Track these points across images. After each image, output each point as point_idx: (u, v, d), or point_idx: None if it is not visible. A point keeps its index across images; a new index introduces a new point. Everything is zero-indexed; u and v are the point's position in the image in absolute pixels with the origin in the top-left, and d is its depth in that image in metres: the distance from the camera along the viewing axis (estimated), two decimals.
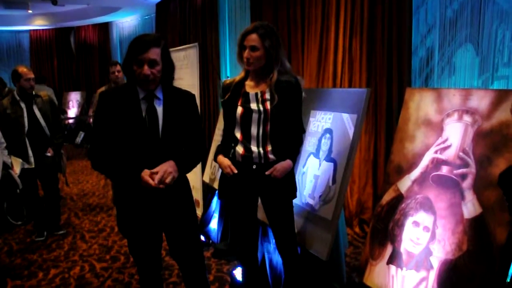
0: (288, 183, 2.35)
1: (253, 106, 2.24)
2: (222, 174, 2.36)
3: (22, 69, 3.85)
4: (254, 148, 2.26)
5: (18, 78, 3.83)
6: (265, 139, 2.25)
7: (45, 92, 4.20)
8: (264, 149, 2.26)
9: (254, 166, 2.28)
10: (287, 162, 2.27)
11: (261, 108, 2.23)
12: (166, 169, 1.95)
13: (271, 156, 2.26)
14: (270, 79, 2.23)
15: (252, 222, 2.46)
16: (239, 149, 2.28)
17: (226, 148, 2.36)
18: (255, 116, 2.23)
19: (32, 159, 3.89)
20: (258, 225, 2.57)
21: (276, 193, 2.33)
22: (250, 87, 2.31)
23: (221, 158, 2.34)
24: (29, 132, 3.88)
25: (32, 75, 3.88)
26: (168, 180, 1.94)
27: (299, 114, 2.33)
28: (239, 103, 2.27)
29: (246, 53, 2.21)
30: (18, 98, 3.88)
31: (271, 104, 2.22)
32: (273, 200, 2.36)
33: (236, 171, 2.26)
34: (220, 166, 2.34)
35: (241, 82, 2.32)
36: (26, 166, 3.87)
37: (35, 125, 3.92)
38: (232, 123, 2.30)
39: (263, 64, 2.23)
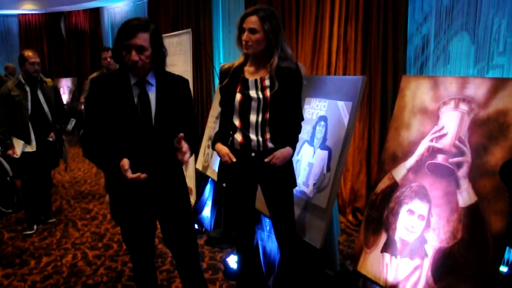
0: (288, 172, 2.31)
1: (252, 93, 2.18)
2: (221, 161, 2.32)
3: (28, 53, 3.88)
4: (253, 136, 2.20)
5: (23, 62, 3.86)
6: (264, 127, 2.20)
7: (50, 79, 4.18)
8: (263, 137, 2.21)
9: (253, 154, 2.23)
10: (287, 150, 2.22)
11: (261, 96, 2.16)
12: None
13: (270, 144, 2.21)
14: (270, 65, 2.16)
15: (250, 209, 2.42)
16: (238, 137, 2.23)
17: (224, 135, 2.30)
18: (254, 104, 2.17)
19: (34, 143, 3.94)
20: (255, 213, 2.54)
21: (276, 182, 2.29)
22: (249, 73, 2.24)
23: (219, 146, 2.28)
24: (32, 115, 3.92)
25: (37, 59, 3.90)
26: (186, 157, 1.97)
27: (298, 102, 2.27)
28: (237, 90, 2.21)
29: (244, 36, 2.13)
30: (23, 81, 3.90)
31: (271, 91, 2.16)
32: (273, 189, 2.33)
33: (234, 160, 2.22)
34: (218, 154, 2.29)
35: (240, 67, 2.25)
36: (27, 149, 3.91)
37: (38, 110, 3.96)
38: (230, 110, 2.23)
39: (263, 48, 2.15)
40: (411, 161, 2.37)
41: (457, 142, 2.14)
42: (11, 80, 4.03)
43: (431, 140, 2.28)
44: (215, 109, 4.19)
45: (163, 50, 2.00)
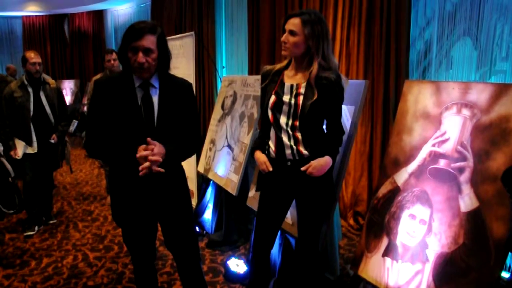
0: (327, 184, 2.21)
1: (286, 98, 2.11)
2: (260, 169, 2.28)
3: (29, 54, 3.90)
4: (285, 139, 2.13)
5: (25, 62, 3.89)
6: (294, 131, 2.11)
7: (53, 80, 4.19)
8: (295, 143, 2.12)
9: (289, 163, 2.16)
10: (325, 159, 2.10)
11: (293, 102, 2.09)
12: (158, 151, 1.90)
13: (304, 151, 2.11)
14: (310, 73, 2.06)
15: (279, 222, 2.35)
16: (272, 145, 2.19)
17: (262, 142, 2.26)
18: (285, 108, 2.11)
19: (35, 144, 3.96)
20: (280, 226, 2.45)
21: (312, 195, 2.19)
22: (288, 77, 2.17)
23: (258, 153, 2.25)
24: (34, 117, 3.94)
25: (38, 60, 3.91)
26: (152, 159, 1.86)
27: (337, 114, 2.17)
28: (273, 92, 2.15)
29: (283, 37, 2.06)
30: (26, 82, 3.92)
31: (304, 99, 2.07)
32: (309, 202, 2.22)
33: (271, 169, 2.17)
34: (256, 162, 2.25)
35: (281, 70, 2.21)
36: (29, 150, 3.94)
37: (40, 111, 3.97)
38: (266, 112, 2.18)
39: (301, 52, 2.08)
40: (413, 166, 2.37)
41: (459, 147, 2.14)
42: (15, 81, 4.05)
43: (433, 145, 2.28)
44: (217, 112, 4.19)
45: (168, 53, 2.01)
